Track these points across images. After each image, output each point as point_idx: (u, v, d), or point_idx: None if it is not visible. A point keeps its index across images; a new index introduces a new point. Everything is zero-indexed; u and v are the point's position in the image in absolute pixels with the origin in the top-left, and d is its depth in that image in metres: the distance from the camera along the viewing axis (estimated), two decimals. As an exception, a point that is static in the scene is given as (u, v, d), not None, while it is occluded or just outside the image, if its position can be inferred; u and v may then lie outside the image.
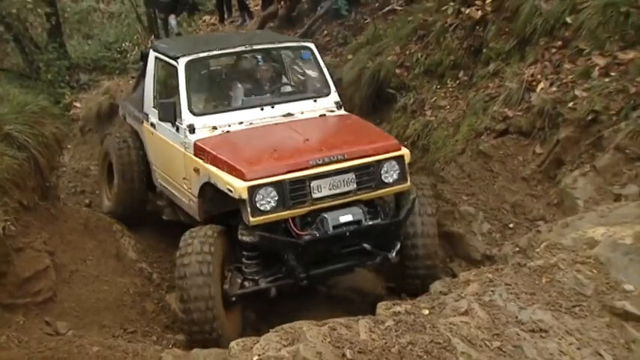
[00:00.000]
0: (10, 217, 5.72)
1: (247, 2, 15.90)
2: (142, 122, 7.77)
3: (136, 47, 18.13)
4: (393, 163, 6.24)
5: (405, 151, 6.41)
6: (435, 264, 6.66)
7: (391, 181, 6.25)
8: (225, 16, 16.03)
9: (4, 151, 6.15)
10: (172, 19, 15.83)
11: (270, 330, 4.61)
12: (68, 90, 16.30)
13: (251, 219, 5.77)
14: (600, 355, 4.28)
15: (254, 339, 4.55)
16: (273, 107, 6.90)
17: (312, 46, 7.53)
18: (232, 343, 4.68)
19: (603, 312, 4.51)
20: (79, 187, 10.66)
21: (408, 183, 6.37)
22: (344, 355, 4.21)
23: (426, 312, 4.75)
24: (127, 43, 18.64)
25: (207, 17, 17.12)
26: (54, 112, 7.52)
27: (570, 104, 6.87)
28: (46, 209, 6.82)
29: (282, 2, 14.11)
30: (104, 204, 8.70)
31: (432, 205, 6.73)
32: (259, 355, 4.30)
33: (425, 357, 4.23)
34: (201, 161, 6.33)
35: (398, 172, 6.25)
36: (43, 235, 6.30)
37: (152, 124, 7.44)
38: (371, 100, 9.07)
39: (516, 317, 4.53)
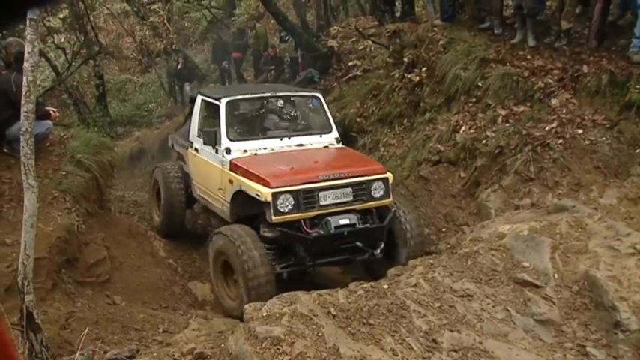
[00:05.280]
0: (80, 219, 5.78)
1: (242, 72, 15.97)
2: (187, 148, 7.57)
3: (159, 107, 18.29)
4: (380, 183, 6.14)
5: (389, 175, 6.27)
6: (424, 240, 6.48)
7: (378, 196, 6.13)
8: (226, 83, 15.89)
9: (77, 172, 6.21)
10: (187, 86, 15.88)
11: (274, 297, 4.63)
12: (109, 139, 16.19)
13: (273, 218, 5.71)
14: (508, 310, 4.47)
15: (262, 303, 4.55)
16: (289, 139, 6.77)
17: (320, 96, 7.37)
18: (246, 306, 4.64)
19: (509, 282, 4.69)
20: (117, 209, 10.62)
21: (391, 198, 6.24)
22: (329, 312, 4.29)
23: (386, 286, 4.80)
24: (152, 104, 18.71)
25: (212, 85, 17.12)
26: (109, 145, 7.61)
27: (483, 142, 7.04)
28: (102, 216, 6.84)
29: (269, 73, 14.27)
30: (154, 219, 8.38)
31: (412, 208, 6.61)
32: (267, 312, 4.33)
33: (387, 314, 4.34)
34: (235, 175, 6.24)
35: (384, 189, 6.15)
36: (101, 235, 6.31)
37: (195, 149, 7.25)
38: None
39: (451, 287, 4.66)
